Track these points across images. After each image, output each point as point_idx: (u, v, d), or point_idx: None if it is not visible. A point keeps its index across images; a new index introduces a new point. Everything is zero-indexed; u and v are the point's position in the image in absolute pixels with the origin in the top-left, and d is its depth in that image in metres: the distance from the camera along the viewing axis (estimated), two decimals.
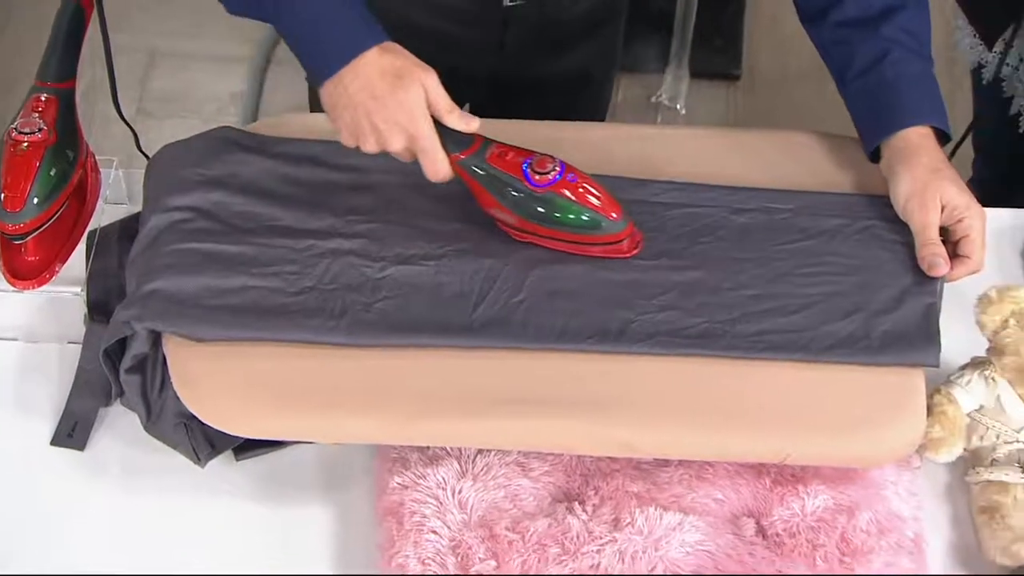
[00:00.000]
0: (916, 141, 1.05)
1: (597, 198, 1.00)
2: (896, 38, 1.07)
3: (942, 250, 1.02)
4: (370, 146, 0.99)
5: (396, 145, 0.99)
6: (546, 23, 1.25)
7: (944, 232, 1.04)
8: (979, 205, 1.04)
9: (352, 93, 0.97)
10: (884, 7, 1.08)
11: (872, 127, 1.09)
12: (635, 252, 1.03)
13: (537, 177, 0.99)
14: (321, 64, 0.99)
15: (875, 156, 1.09)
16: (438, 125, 0.98)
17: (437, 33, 1.23)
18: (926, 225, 1.03)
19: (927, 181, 1.04)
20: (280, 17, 1.01)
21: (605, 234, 1.01)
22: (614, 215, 1.01)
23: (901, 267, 1.04)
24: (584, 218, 1.00)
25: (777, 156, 1.14)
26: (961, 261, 1.03)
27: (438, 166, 0.99)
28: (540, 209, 1.00)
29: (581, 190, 1.00)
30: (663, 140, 1.16)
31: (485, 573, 0.94)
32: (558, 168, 1.00)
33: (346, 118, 0.99)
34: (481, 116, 1.02)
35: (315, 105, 1.40)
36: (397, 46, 0.99)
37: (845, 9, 1.09)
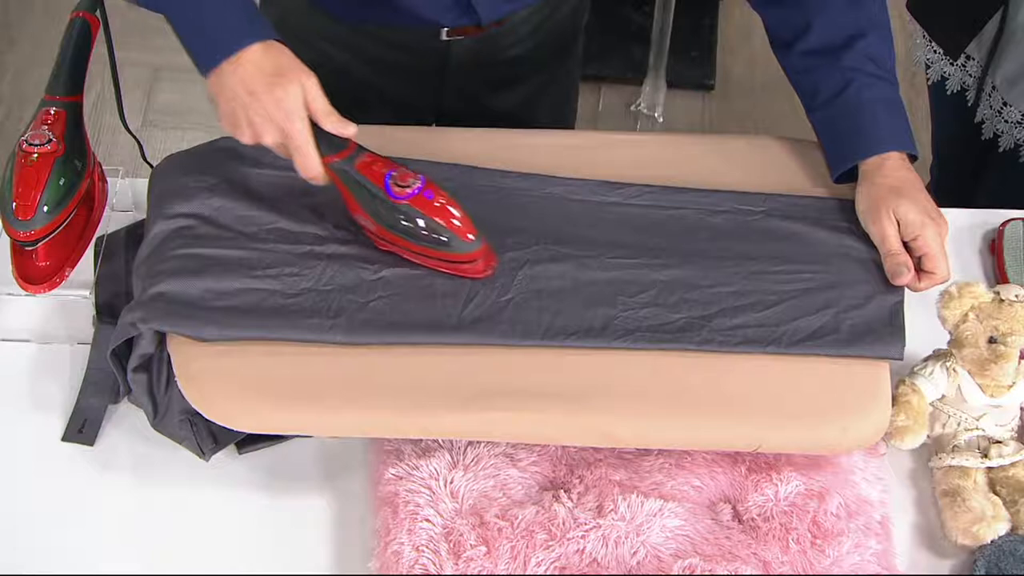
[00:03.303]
0: (877, 163, 1.05)
1: (453, 217, 0.98)
2: (859, 66, 1.06)
3: (906, 259, 1.02)
4: (245, 138, 0.98)
5: (269, 140, 0.97)
6: (485, 60, 1.24)
7: (907, 247, 1.04)
8: (936, 220, 1.03)
9: (231, 85, 0.96)
10: (847, 36, 1.07)
11: (837, 154, 1.08)
12: (488, 273, 1.01)
13: (397, 189, 0.98)
14: (204, 54, 0.98)
15: (842, 178, 1.09)
16: (315, 127, 0.98)
17: (381, 62, 1.22)
18: (884, 236, 1.03)
19: (881, 197, 1.04)
20: (167, 5, 0.99)
21: (456, 252, 0.99)
22: (470, 236, 0.99)
23: (869, 266, 1.04)
24: (436, 235, 0.99)
25: (750, 161, 1.14)
26: (926, 275, 1.03)
27: (309, 165, 0.98)
28: (397, 220, 0.99)
29: (438, 206, 0.98)
30: (643, 146, 1.16)
31: (476, 559, 0.94)
32: (419, 183, 0.98)
33: (225, 108, 0.98)
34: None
35: None
36: (281, 46, 0.98)
37: (810, 39, 1.08)
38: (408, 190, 0.98)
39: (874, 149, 1.05)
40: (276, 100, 0.96)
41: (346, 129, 0.98)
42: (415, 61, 1.23)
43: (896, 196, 1.03)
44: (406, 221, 0.99)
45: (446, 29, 1.19)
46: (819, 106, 1.08)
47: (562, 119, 1.42)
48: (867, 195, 1.05)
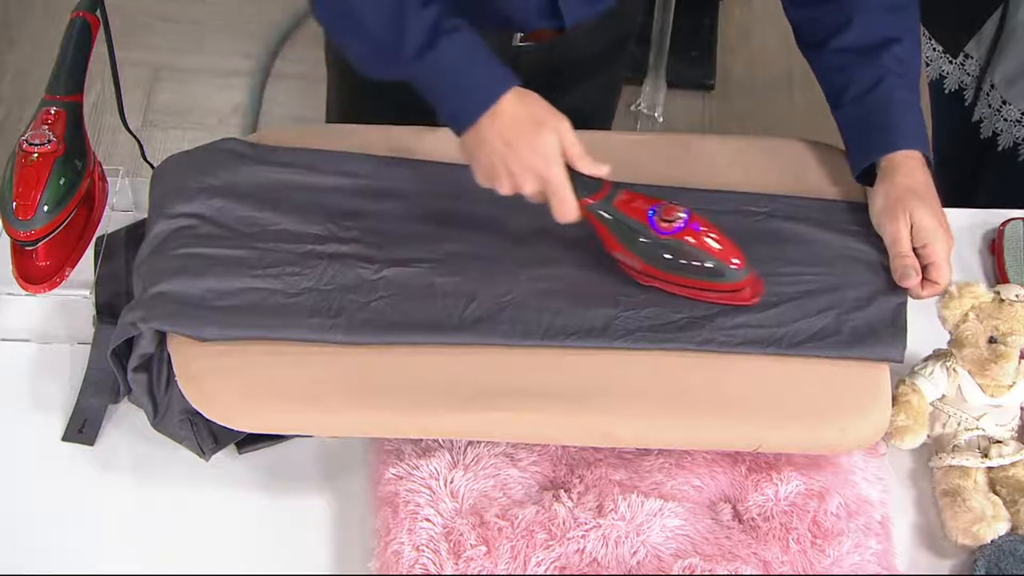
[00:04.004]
0: (900, 162, 1.05)
1: (721, 247, 0.97)
2: (892, 67, 1.07)
3: (914, 261, 1.02)
4: (504, 189, 0.99)
5: (528, 189, 0.98)
6: (552, 66, 1.23)
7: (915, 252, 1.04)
8: (946, 231, 1.03)
9: (489, 139, 0.97)
10: (884, 37, 1.08)
11: (863, 149, 1.08)
12: (755, 301, 1.00)
13: (663, 224, 0.97)
14: (460, 113, 0.98)
15: (861, 177, 1.09)
16: (568, 169, 0.97)
17: None
18: (896, 238, 1.03)
19: (900, 197, 1.04)
20: (417, 73, 0.99)
21: (727, 282, 0.98)
22: (736, 263, 0.98)
23: (872, 268, 1.04)
24: (707, 266, 0.97)
25: (752, 161, 1.14)
26: (928, 284, 1.03)
27: (568, 209, 0.98)
28: (664, 256, 0.98)
29: (706, 238, 0.97)
30: (644, 146, 1.16)
31: (476, 559, 0.94)
32: (684, 216, 0.97)
33: (482, 161, 0.98)
34: None
35: (332, 117, 1.40)
36: (529, 91, 0.99)
37: (846, 38, 1.09)
38: (674, 224, 0.97)
39: (900, 144, 1.06)
40: (534, 148, 0.96)
41: (600, 170, 0.98)
42: None
43: (915, 198, 1.03)
44: (675, 256, 0.98)
45: (520, 35, 1.19)
46: (848, 102, 1.08)
47: (605, 120, 1.44)
48: (885, 193, 1.05)
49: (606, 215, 0.99)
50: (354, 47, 1.03)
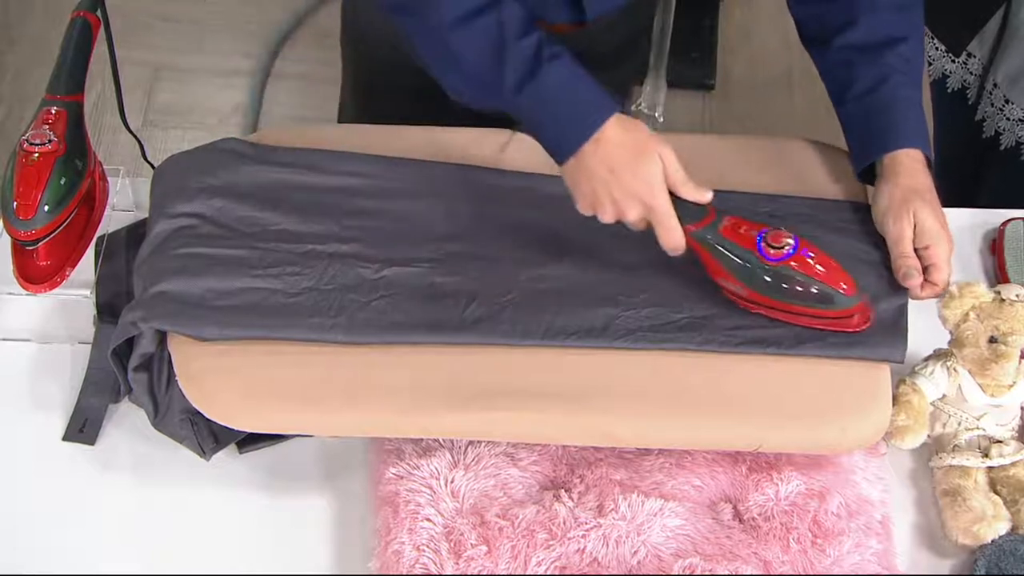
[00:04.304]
0: (903, 161, 1.05)
1: (831, 273, 0.96)
2: (896, 65, 1.07)
3: (916, 262, 1.02)
4: (607, 216, 0.98)
5: (632, 216, 0.97)
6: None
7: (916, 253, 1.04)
8: (948, 233, 1.03)
9: (592, 167, 0.96)
10: (889, 36, 1.08)
11: (866, 146, 1.08)
12: (864, 327, 0.98)
13: (771, 251, 0.96)
14: (563, 142, 0.98)
15: (863, 175, 1.09)
16: (671, 196, 0.97)
17: None
18: (900, 238, 1.03)
19: (904, 197, 1.04)
20: (518, 104, 0.99)
21: (837, 309, 0.97)
22: (848, 289, 0.96)
23: (874, 268, 1.04)
24: (816, 292, 0.96)
25: (752, 161, 1.14)
26: (928, 285, 1.03)
27: (673, 237, 0.97)
28: (772, 282, 0.96)
29: (815, 265, 0.96)
30: None
31: (477, 558, 0.94)
32: (792, 242, 0.96)
33: (585, 189, 0.98)
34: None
35: (343, 117, 1.40)
36: (630, 117, 0.98)
37: (852, 35, 1.08)
38: (783, 251, 0.96)
39: (902, 143, 1.06)
40: (638, 175, 0.96)
41: (704, 196, 0.98)
42: None
43: (919, 199, 1.03)
44: (785, 283, 0.96)
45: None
46: (851, 100, 1.08)
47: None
48: (889, 193, 1.05)
49: (711, 242, 0.98)
50: (453, 80, 1.02)
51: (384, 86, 1.25)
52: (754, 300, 0.98)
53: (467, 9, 0.97)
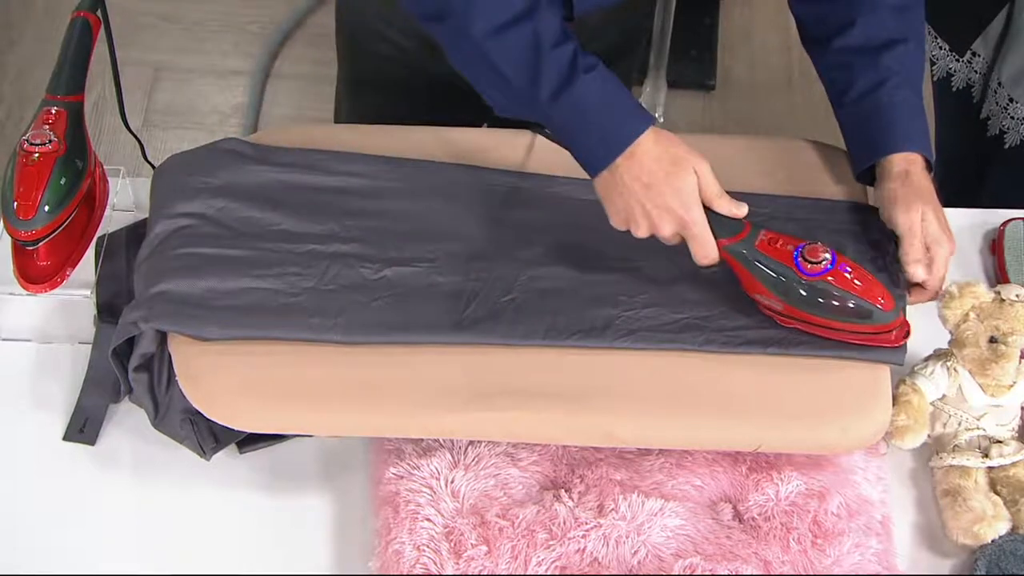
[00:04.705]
0: (905, 165, 1.05)
1: (869, 287, 0.95)
2: (895, 68, 1.07)
3: (925, 257, 1.02)
4: (641, 231, 0.97)
5: (666, 231, 0.97)
6: None
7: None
8: (948, 238, 1.03)
9: (627, 181, 0.96)
10: (888, 39, 1.07)
11: (863, 149, 1.08)
12: (902, 343, 0.97)
13: (809, 266, 0.95)
14: (597, 154, 0.97)
15: (862, 176, 1.09)
16: (706, 210, 0.96)
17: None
18: (912, 229, 1.02)
19: (915, 195, 1.03)
20: (551, 113, 0.98)
21: (876, 324, 0.95)
22: (883, 302, 0.95)
23: (873, 269, 1.04)
24: (853, 307, 0.95)
25: (753, 161, 1.14)
26: (918, 289, 1.03)
27: (708, 251, 0.97)
28: (810, 297, 0.95)
29: (853, 280, 0.95)
30: None
31: (477, 558, 0.94)
32: (830, 257, 0.95)
33: (618, 203, 0.97)
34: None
35: (343, 119, 1.40)
36: (665, 131, 0.97)
37: (851, 37, 1.08)
38: (821, 266, 0.95)
39: (901, 146, 1.05)
40: (674, 190, 0.95)
41: (740, 210, 0.97)
42: None
43: (924, 201, 1.03)
44: (823, 298, 0.95)
45: None
46: (850, 102, 1.08)
47: None
48: (898, 191, 1.04)
49: (747, 256, 0.97)
50: (490, 91, 1.01)
51: (377, 82, 1.24)
52: (791, 315, 0.97)
53: (503, 19, 0.96)
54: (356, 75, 1.33)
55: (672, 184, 0.95)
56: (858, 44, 1.08)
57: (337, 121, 1.40)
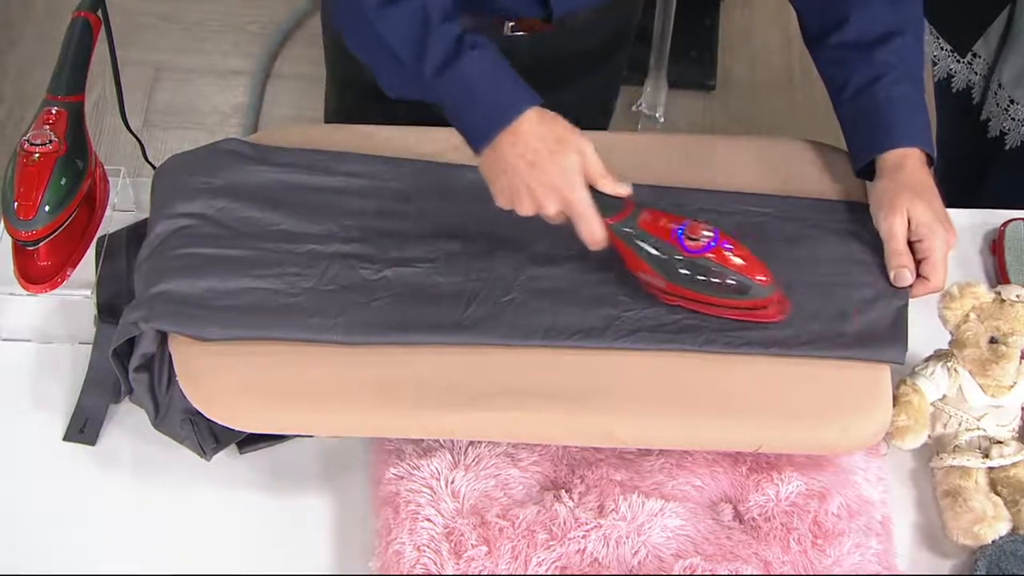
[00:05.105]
0: (899, 161, 1.05)
1: (750, 264, 0.97)
2: (891, 63, 1.07)
3: (908, 260, 1.02)
4: (525, 209, 0.97)
5: (551, 209, 0.97)
6: (545, 61, 1.22)
7: (911, 248, 1.03)
8: (945, 227, 1.03)
9: (510, 159, 0.96)
10: (883, 33, 1.07)
11: (862, 145, 1.08)
12: (781, 318, 0.99)
13: (690, 243, 0.96)
14: (479, 130, 0.97)
15: (862, 173, 1.09)
16: (590, 189, 0.96)
17: None
18: (891, 233, 1.03)
19: (898, 193, 1.03)
20: (436, 89, 0.98)
21: (754, 299, 0.97)
22: (765, 281, 0.97)
23: (874, 270, 1.04)
24: (733, 283, 0.96)
25: (754, 162, 1.14)
26: (920, 281, 1.02)
27: (594, 231, 0.97)
28: (691, 274, 0.97)
29: (734, 257, 0.96)
30: (646, 146, 1.16)
31: (477, 559, 0.94)
32: (711, 234, 0.96)
33: (503, 182, 0.97)
34: None
35: (329, 118, 1.40)
36: (549, 111, 0.97)
37: (846, 32, 1.08)
38: (702, 243, 0.96)
39: (897, 143, 1.05)
40: (559, 169, 0.95)
41: (623, 189, 0.97)
42: None
43: (912, 195, 1.03)
44: (703, 275, 0.96)
45: (511, 24, 1.18)
46: (847, 99, 1.08)
47: (603, 121, 1.42)
48: (884, 190, 1.05)
49: (630, 235, 0.98)
50: (382, 71, 1.02)
51: (361, 85, 1.24)
52: (673, 292, 0.99)
53: None
54: (341, 75, 1.33)
55: (556, 162, 0.95)
56: (853, 39, 1.08)
57: (327, 121, 1.41)
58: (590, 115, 1.35)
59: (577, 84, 1.29)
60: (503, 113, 0.96)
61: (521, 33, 1.19)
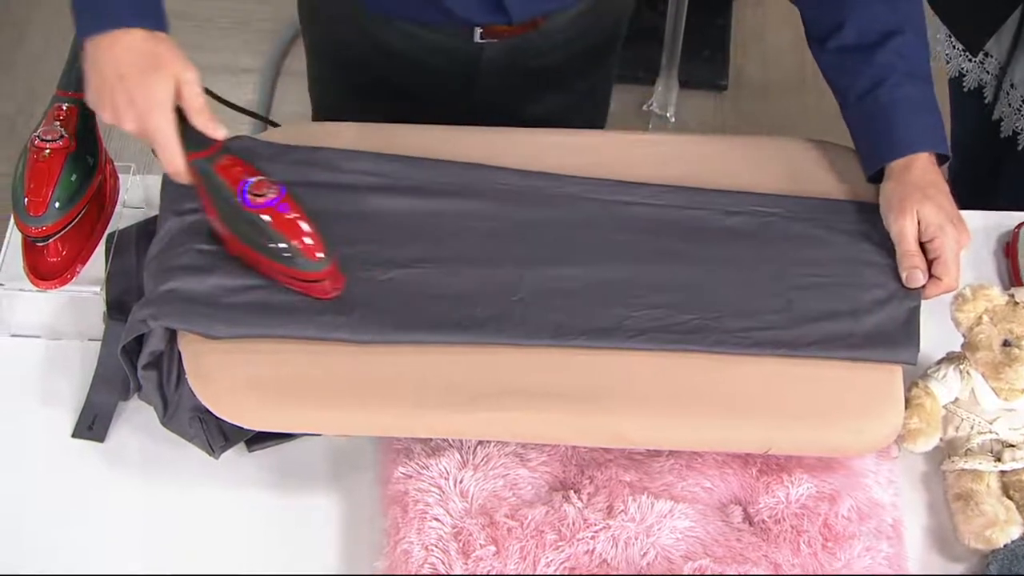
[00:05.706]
0: (907, 163, 1.04)
1: (301, 233, 0.95)
2: (893, 64, 1.06)
3: (920, 261, 1.02)
4: (106, 118, 0.96)
5: (129, 126, 0.95)
6: (519, 67, 1.22)
7: (923, 248, 1.03)
8: (956, 226, 1.02)
9: (102, 63, 0.94)
10: (882, 33, 1.06)
11: (870, 153, 1.08)
12: (334, 295, 0.98)
13: (251, 197, 0.95)
14: (84, 21, 0.95)
15: (873, 178, 1.08)
16: (185, 123, 0.95)
17: (413, 64, 1.21)
18: (902, 235, 1.02)
19: (907, 194, 1.03)
20: None
21: (302, 270, 0.96)
22: (317, 256, 0.96)
23: (885, 270, 1.03)
24: (281, 249, 0.95)
25: (765, 162, 1.13)
26: (933, 281, 1.02)
27: (170, 159, 0.95)
28: (246, 228, 0.96)
29: (288, 219, 0.95)
30: (657, 146, 1.16)
31: (486, 559, 0.94)
32: (275, 195, 0.95)
33: (94, 82, 0.95)
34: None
35: (318, 115, 1.40)
36: (167, 37, 0.96)
37: (844, 36, 1.07)
38: (262, 200, 0.95)
39: (903, 151, 1.05)
40: (144, 88, 0.93)
41: (214, 131, 0.96)
42: (447, 64, 1.22)
43: (922, 196, 1.02)
44: (253, 231, 0.96)
45: (480, 30, 1.18)
46: (852, 103, 1.08)
47: (599, 122, 1.41)
48: (893, 191, 1.04)
49: (205, 175, 0.97)
50: None
51: (338, 79, 1.25)
52: (234, 244, 0.98)
53: None
54: (319, 75, 1.33)
55: (144, 82, 0.93)
56: (853, 42, 1.07)
57: (312, 98, 1.40)
58: (584, 116, 1.35)
59: (555, 98, 1.28)
60: (112, 17, 0.94)
61: (493, 40, 1.18)
